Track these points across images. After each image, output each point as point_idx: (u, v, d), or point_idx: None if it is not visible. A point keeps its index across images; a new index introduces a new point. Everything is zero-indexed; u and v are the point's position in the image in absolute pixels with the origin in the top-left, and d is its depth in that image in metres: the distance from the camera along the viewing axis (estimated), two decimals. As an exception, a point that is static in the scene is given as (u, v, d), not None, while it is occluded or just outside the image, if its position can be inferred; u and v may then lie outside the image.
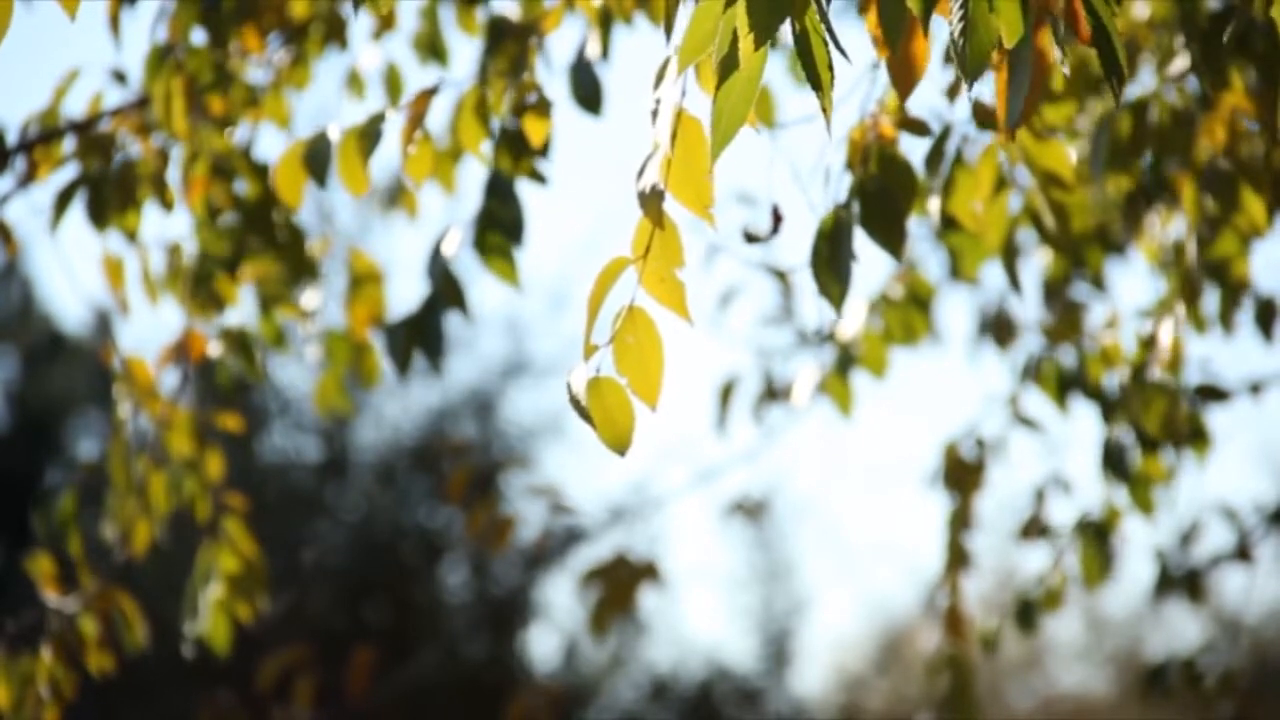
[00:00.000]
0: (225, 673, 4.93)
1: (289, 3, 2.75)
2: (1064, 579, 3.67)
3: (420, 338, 2.41)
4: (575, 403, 1.51)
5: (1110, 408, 3.14)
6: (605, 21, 2.45)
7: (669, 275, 1.53)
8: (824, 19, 1.41)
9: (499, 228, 2.33)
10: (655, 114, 1.55)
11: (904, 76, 1.54)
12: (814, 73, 1.42)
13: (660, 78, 1.56)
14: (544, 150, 2.32)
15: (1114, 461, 3.10)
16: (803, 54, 1.42)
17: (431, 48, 2.95)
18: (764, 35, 1.37)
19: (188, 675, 7.96)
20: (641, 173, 1.55)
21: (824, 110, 1.43)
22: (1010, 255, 2.27)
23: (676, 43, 1.48)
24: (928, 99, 2.08)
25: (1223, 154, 2.31)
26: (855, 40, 1.64)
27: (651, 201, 1.53)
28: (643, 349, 1.52)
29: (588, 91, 2.42)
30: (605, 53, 2.45)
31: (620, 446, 1.51)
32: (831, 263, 1.86)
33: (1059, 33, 1.45)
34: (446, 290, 2.42)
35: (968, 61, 1.40)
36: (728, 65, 1.42)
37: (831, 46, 1.43)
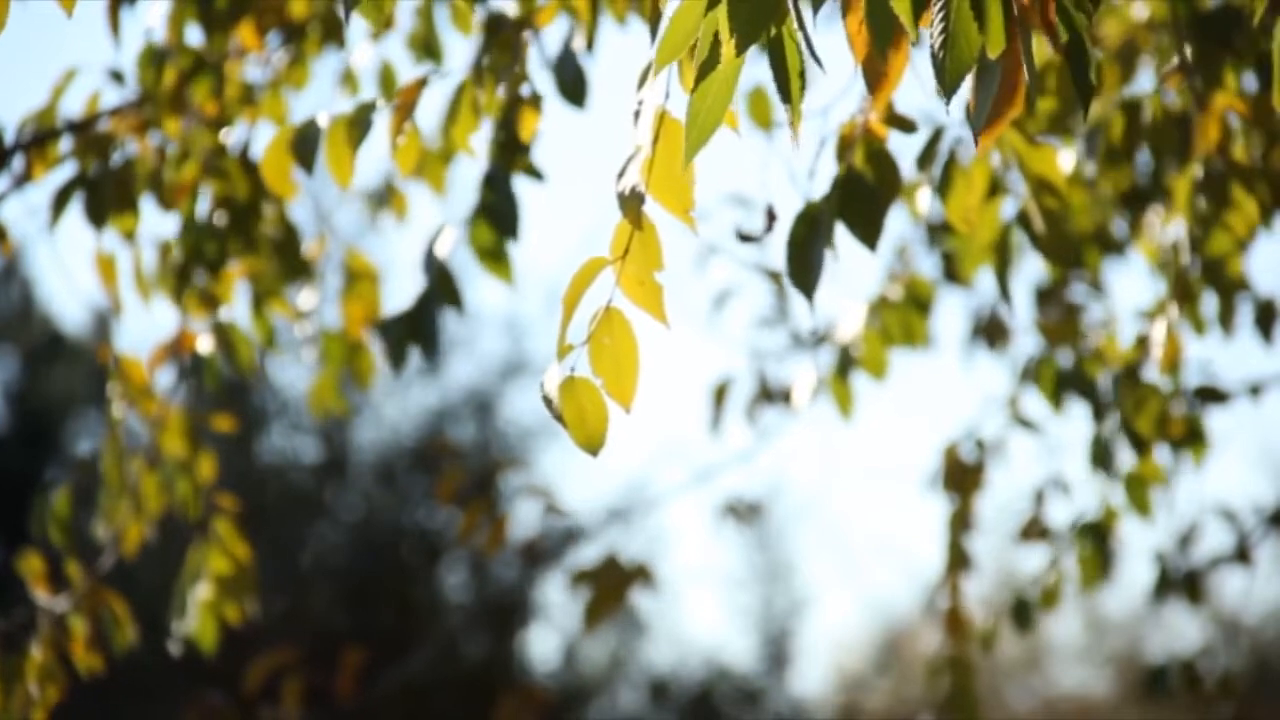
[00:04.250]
0: (224, 673, 4.92)
1: (288, 2, 2.74)
2: (1059, 578, 3.67)
3: (416, 333, 2.40)
4: (548, 402, 1.50)
5: (1101, 407, 3.14)
6: (593, 14, 2.43)
7: (647, 278, 1.52)
8: (801, 27, 1.40)
9: (494, 223, 2.32)
10: (638, 115, 1.54)
11: (878, 81, 1.53)
12: (784, 82, 1.41)
13: (644, 79, 1.55)
14: (529, 145, 2.30)
15: (1103, 460, 3.10)
16: (775, 63, 1.41)
17: (426, 47, 2.93)
18: (746, 41, 1.36)
19: (187, 675, 7.95)
20: (622, 174, 1.54)
21: (792, 123, 1.42)
22: (1003, 263, 2.25)
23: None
24: (921, 100, 2.07)
25: (1216, 154, 2.30)
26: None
27: (631, 203, 1.52)
28: (618, 350, 1.51)
29: (571, 83, 2.40)
30: (590, 45, 2.43)
31: (592, 447, 1.50)
32: (805, 252, 1.85)
33: (1030, 48, 1.43)
34: (441, 286, 2.40)
35: (946, 75, 1.37)
36: (706, 67, 1.41)
37: (809, 54, 1.41)
